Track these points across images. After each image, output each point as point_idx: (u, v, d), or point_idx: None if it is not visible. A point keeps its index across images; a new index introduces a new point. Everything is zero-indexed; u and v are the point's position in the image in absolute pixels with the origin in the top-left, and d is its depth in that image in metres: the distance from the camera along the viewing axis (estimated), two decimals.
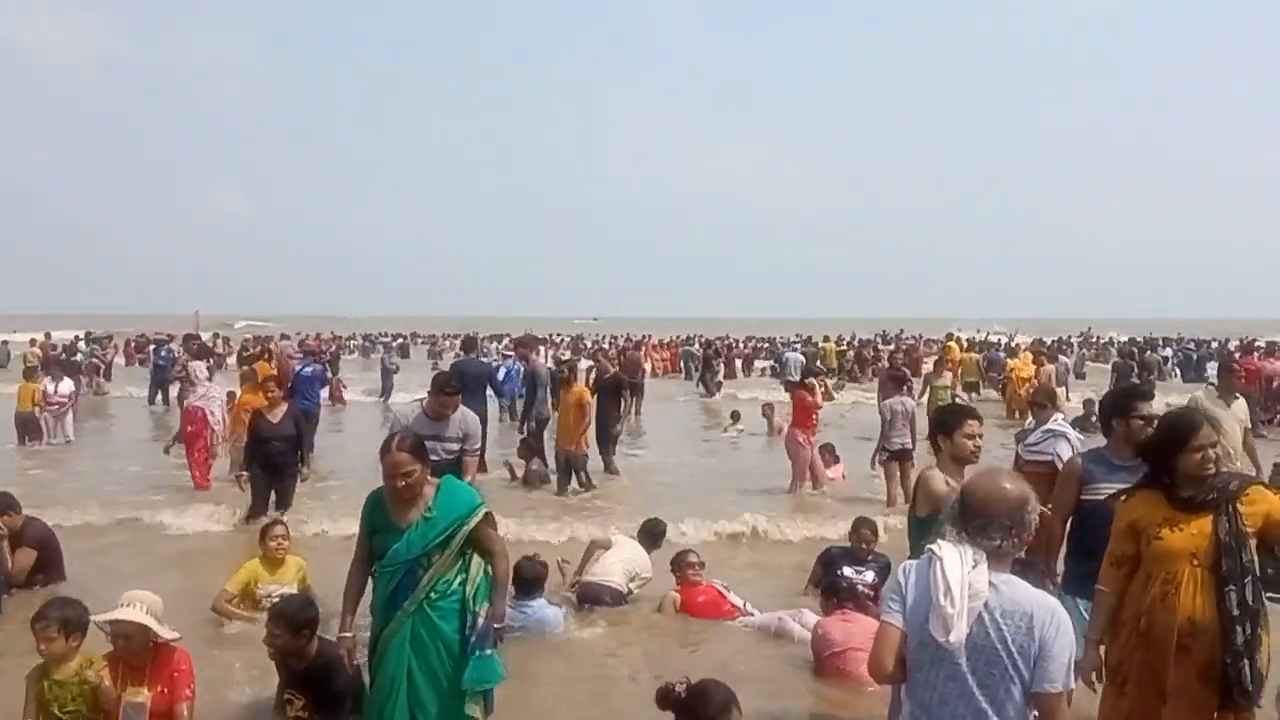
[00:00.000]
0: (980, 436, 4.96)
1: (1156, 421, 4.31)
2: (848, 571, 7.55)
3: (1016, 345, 33.93)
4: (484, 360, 18.68)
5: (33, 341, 32.76)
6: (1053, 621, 2.86)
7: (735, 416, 20.09)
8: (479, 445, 7.31)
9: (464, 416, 7.23)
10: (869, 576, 7.53)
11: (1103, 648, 4.26)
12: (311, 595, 5.28)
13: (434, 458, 6.03)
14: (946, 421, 4.95)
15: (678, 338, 43.00)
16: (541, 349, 34.16)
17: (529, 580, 7.08)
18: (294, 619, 4.91)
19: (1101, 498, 4.70)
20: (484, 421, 13.43)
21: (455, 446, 7.26)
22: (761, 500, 11.97)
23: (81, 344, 32.15)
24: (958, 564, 2.91)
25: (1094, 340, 48.20)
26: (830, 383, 22.67)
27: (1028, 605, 2.87)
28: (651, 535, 8.31)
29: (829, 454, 13.61)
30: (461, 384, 13.66)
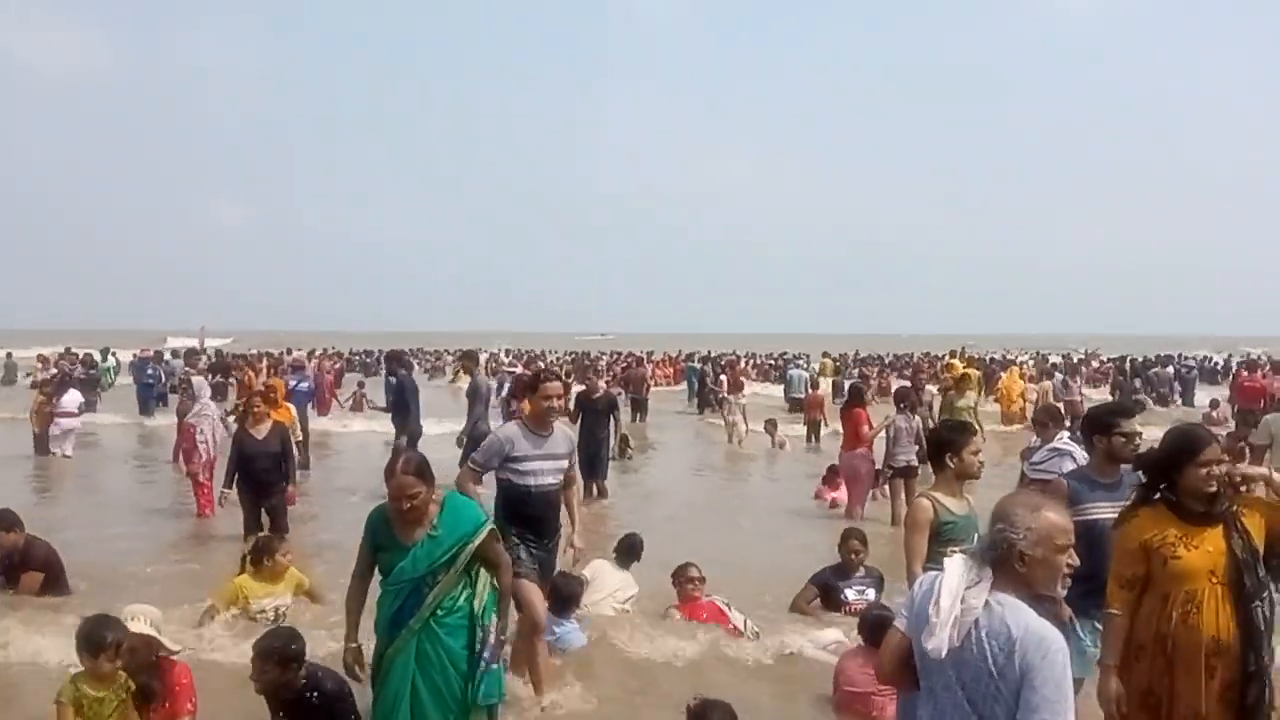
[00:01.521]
0: (977, 451, 4.94)
1: (1163, 436, 4.23)
2: (850, 595, 7.50)
3: (1012, 360, 33.85)
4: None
5: (44, 358, 33.02)
6: (1038, 649, 2.79)
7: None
8: (575, 458, 6.36)
9: (565, 431, 6.19)
10: (870, 594, 7.49)
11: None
12: (293, 627, 5.26)
13: (549, 482, 5.93)
14: (955, 440, 4.90)
15: (680, 354, 43.11)
16: (541, 363, 34.31)
17: (567, 598, 6.81)
18: (282, 653, 4.83)
19: (1089, 519, 4.64)
20: (414, 438, 13.26)
21: (567, 464, 6.09)
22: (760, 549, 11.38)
23: (97, 356, 32.09)
24: (957, 577, 2.95)
25: (1091, 358, 48.11)
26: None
27: (1015, 629, 2.83)
28: (630, 550, 8.00)
29: (835, 475, 13.43)
30: (405, 400, 13.42)
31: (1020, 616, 2.85)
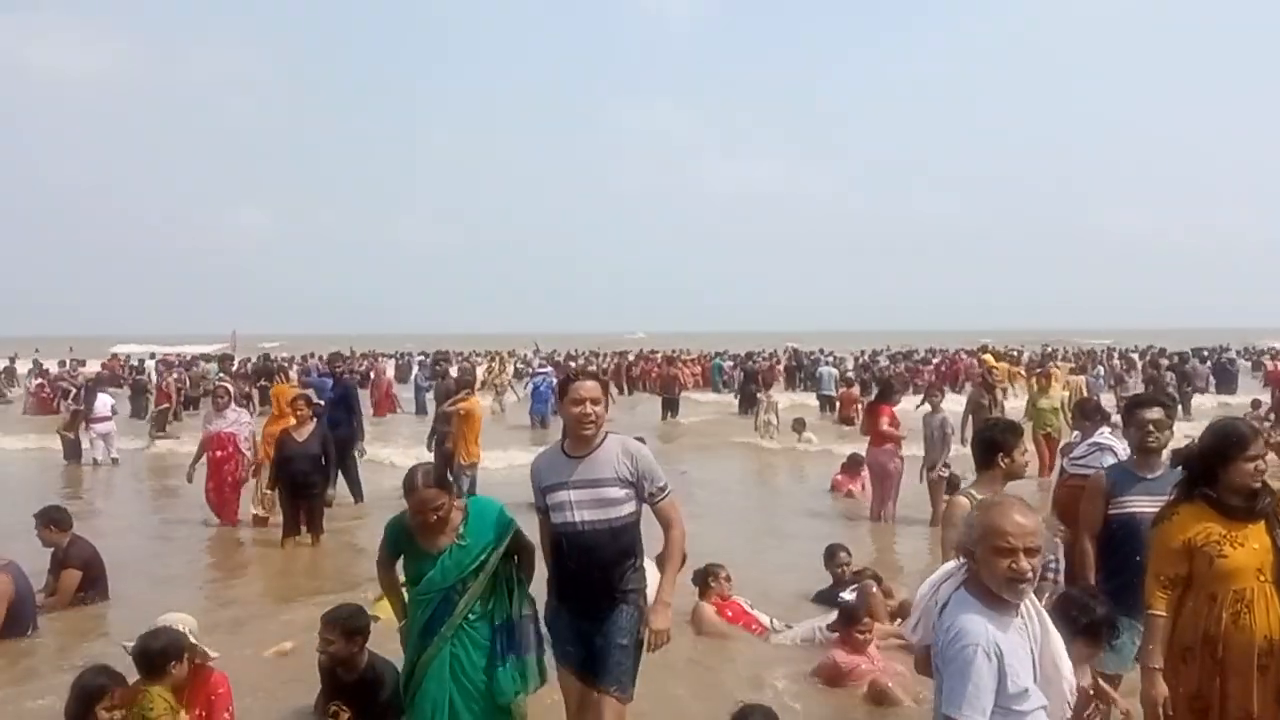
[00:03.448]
0: (1024, 451, 4.90)
1: (1205, 430, 4.17)
2: (847, 595, 7.48)
3: (1048, 356, 33.50)
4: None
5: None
6: (952, 644, 2.83)
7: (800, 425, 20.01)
8: (665, 483, 4.47)
9: (625, 446, 4.45)
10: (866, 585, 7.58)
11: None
12: (360, 604, 5.30)
13: (587, 519, 4.32)
14: (1008, 441, 4.86)
15: (704, 353, 43.02)
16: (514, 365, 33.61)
17: None
18: (347, 625, 4.94)
19: (1127, 512, 4.65)
20: (350, 443, 12.67)
21: (622, 494, 4.35)
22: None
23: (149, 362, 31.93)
24: (944, 570, 3.09)
25: (1131, 352, 47.62)
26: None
27: (945, 622, 2.90)
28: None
29: (856, 466, 13.45)
30: (349, 400, 12.83)
31: (955, 611, 2.90)
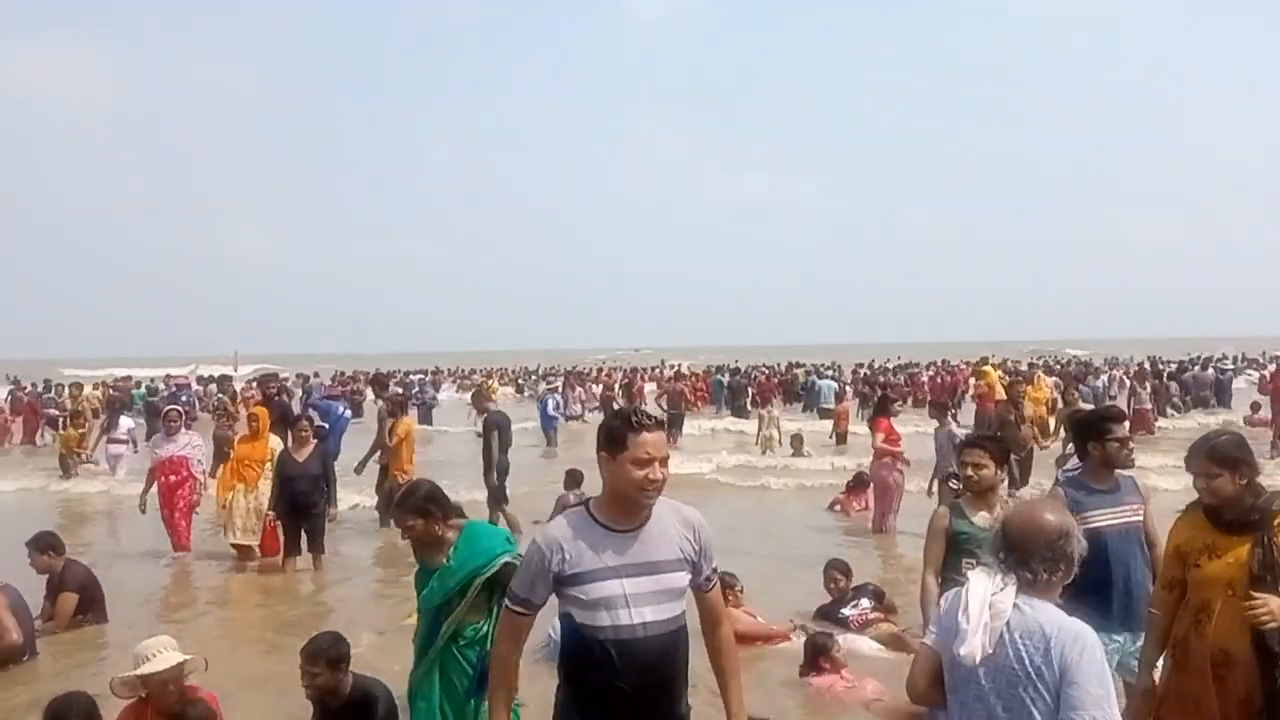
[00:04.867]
0: (980, 467, 4.94)
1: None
2: (847, 612, 7.58)
3: (1031, 368, 33.39)
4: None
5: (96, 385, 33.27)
6: (1075, 645, 2.77)
7: (799, 441, 20.00)
8: (716, 564, 3.39)
9: (682, 514, 3.27)
10: (865, 603, 7.62)
11: None
12: (336, 631, 5.30)
13: (649, 620, 3.10)
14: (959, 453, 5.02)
15: (708, 368, 43.02)
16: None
17: None
18: (329, 655, 4.91)
19: (1090, 527, 4.55)
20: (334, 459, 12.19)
21: (686, 581, 3.23)
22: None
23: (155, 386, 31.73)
24: (984, 585, 2.93)
25: (1127, 362, 47.52)
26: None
27: (1048, 628, 2.80)
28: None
29: (861, 485, 13.49)
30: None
31: (1049, 614, 2.84)
